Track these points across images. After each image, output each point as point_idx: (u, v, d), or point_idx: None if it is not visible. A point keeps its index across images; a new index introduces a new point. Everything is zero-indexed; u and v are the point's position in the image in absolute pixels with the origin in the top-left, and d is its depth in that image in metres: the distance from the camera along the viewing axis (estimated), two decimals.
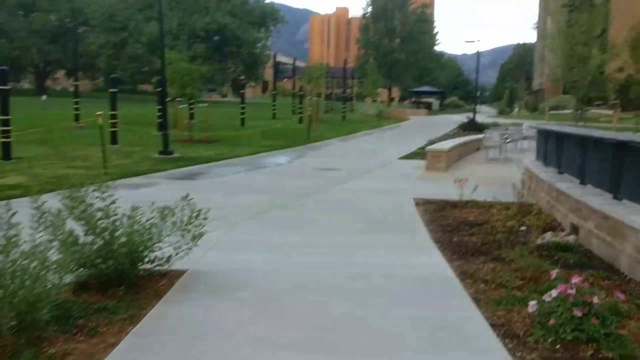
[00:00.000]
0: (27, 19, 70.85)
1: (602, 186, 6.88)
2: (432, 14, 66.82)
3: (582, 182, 7.67)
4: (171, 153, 15.00)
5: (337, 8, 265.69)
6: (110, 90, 18.17)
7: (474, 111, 32.47)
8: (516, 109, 67.26)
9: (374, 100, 75.16)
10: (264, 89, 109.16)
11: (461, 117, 55.28)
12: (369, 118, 40.69)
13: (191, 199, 5.17)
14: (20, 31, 68.44)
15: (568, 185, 7.78)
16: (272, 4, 77.14)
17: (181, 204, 5.10)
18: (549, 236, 6.85)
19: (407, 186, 11.31)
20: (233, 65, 73.84)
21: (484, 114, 77.47)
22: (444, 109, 73.35)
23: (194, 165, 13.87)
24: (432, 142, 20.09)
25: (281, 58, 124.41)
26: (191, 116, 30.23)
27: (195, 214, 4.98)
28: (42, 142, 17.69)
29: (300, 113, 31.99)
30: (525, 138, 20.37)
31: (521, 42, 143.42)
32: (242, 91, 27.15)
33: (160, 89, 22.28)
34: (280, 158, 16.46)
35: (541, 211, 8.50)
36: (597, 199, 6.51)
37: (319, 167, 14.16)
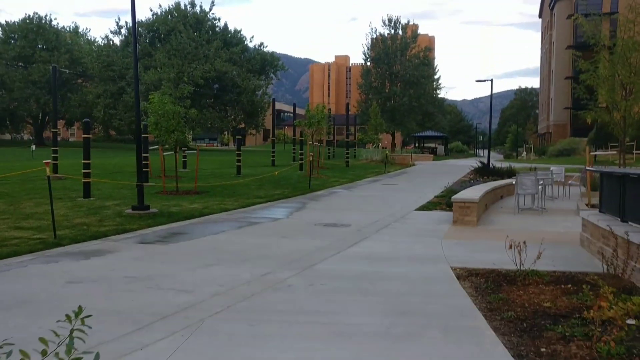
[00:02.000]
0: (26, 70, 70.10)
1: None
2: (434, 58, 65.57)
3: None
4: (147, 208, 12.62)
5: (336, 56, 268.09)
6: (84, 136, 15.93)
7: (488, 155, 30.20)
8: (524, 153, 65.13)
9: (376, 146, 73.38)
10: (265, 136, 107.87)
11: (469, 162, 53.23)
12: (374, 164, 38.53)
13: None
14: (18, 82, 67.62)
15: None
16: (272, 52, 76.31)
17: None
18: None
19: (436, 249, 8.86)
20: (233, 113, 72.42)
21: (491, 158, 75.51)
22: (448, 154, 71.44)
23: (171, 222, 11.46)
24: (451, 191, 17.77)
25: (282, 106, 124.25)
26: (184, 164, 28.33)
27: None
28: (2, 195, 15.37)
29: (301, 160, 29.80)
30: (558, 184, 18.05)
31: (522, 87, 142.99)
32: (238, 137, 24.94)
33: (146, 133, 20.30)
34: (276, 211, 14.08)
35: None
36: None
37: (322, 222, 11.75)
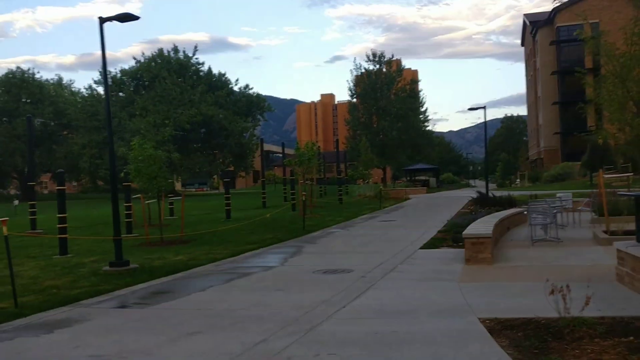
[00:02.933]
0: (10, 124, 69.18)
1: None
2: (420, 90, 65.28)
3: None
4: (126, 264, 11.42)
5: (322, 95, 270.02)
6: (58, 188, 14.76)
7: (486, 185, 29.24)
8: (518, 180, 64.46)
9: (366, 182, 72.48)
10: (255, 178, 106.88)
11: (463, 193, 52.40)
12: (367, 200, 37.49)
13: None
14: (3, 137, 66.63)
15: None
16: (258, 93, 75.93)
17: None
18: None
19: (455, 296, 7.71)
20: (222, 156, 71.54)
21: (483, 188, 74.81)
22: (440, 185, 70.68)
23: (152, 279, 10.26)
24: (454, 225, 16.71)
25: (270, 147, 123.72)
26: (170, 212, 27.12)
27: None
28: None
29: (293, 199, 28.73)
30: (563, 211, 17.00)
31: (509, 114, 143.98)
32: (225, 179, 23.87)
33: (126, 181, 19.18)
34: (270, 258, 12.91)
35: None
36: None
37: (321, 269, 10.59)
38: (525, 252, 11.66)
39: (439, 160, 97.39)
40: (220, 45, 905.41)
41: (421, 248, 13.10)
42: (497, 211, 21.51)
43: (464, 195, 44.91)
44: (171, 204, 26.75)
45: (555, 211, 13.25)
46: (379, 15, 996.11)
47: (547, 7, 77.15)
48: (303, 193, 20.61)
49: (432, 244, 13.77)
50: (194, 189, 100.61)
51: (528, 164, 78.42)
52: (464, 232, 10.49)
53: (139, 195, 19.41)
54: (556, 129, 66.66)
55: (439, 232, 16.38)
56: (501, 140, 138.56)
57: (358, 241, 15.43)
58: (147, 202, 18.52)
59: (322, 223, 21.13)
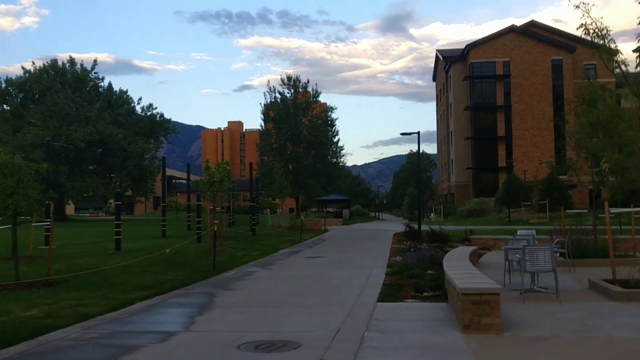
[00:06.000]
0: None
1: None
2: (336, 119, 62.92)
3: None
4: None
5: (229, 122, 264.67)
6: None
7: (419, 219, 26.57)
8: (432, 215, 63.28)
9: (274, 212, 68.59)
10: (156, 204, 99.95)
11: (380, 226, 50.06)
12: (282, 230, 33.91)
13: None
14: None
15: None
16: (162, 114, 70.53)
17: None
18: None
19: None
20: (119, 179, 65.36)
21: (392, 221, 73.26)
22: (351, 217, 68.47)
23: None
24: (405, 266, 13.54)
25: (173, 173, 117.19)
26: (46, 240, 22.08)
27: None
28: None
29: (199, 230, 24.57)
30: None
31: (414, 150, 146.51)
32: (117, 201, 19.47)
33: None
34: (168, 316, 8.99)
35: None
36: None
37: (249, 340, 6.88)
38: (527, 311, 8.51)
39: (348, 192, 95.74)
40: (124, 67, 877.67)
41: (380, 301, 9.65)
42: (440, 248, 18.70)
43: (383, 228, 42.49)
44: (47, 231, 21.76)
45: (558, 255, 10.31)
46: (287, 48, 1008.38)
47: (460, 44, 78.28)
48: (215, 222, 16.67)
49: (389, 293, 10.38)
50: (88, 214, 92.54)
51: (437, 199, 78.11)
52: (460, 286, 7.18)
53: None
54: (468, 164, 66.57)
55: (387, 274, 13.08)
56: (407, 175, 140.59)
57: (289, 287, 11.75)
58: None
59: (235, 259, 17.30)
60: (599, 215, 16.36)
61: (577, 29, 12.57)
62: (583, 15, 12.17)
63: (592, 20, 12.20)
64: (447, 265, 10.24)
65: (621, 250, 15.34)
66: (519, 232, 15.53)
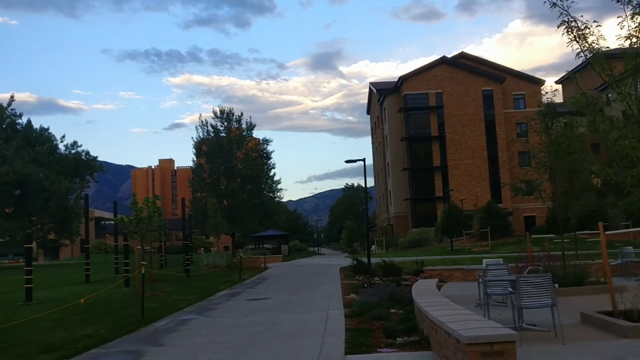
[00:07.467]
0: None
1: None
2: (272, 151, 61.24)
3: None
4: None
5: (160, 160, 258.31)
6: None
7: (368, 252, 25.07)
8: (374, 247, 62.12)
9: (208, 251, 65.63)
10: (83, 247, 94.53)
11: (322, 260, 48.37)
12: (218, 270, 31.56)
13: None
14: None
15: None
16: (87, 152, 66.54)
17: None
18: None
19: None
20: (40, 221, 60.71)
21: (333, 255, 71.74)
22: (291, 253, 66.54)
23: None
24: (366, 305, 11.88)
25: (102, 214, 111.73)
26: None
27: None
28: None
29: (127, 272, 22.06)
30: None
31: (349, 184, 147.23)
32: (26, 245, 16.90)
33: None
34: None
35: None
36: None
37: None
38: (531, 357, 6.99)
39: (285, 227, 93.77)
40: (48, 106, 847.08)
41: (349, 353, 7.89)
42: (397, 282, 17.16)
43: (325, 262, 40.83)
44: None
45: (556, 287, 8.87)
46: (218, 85, 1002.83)
47: (391, 79, 78.80)
48: (143, 263, 14.48)
49: (357, 341, 8.63)
50: (7, 261, 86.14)
51: (377, 230, 77.37)
52: (465, 335, 5.57)
53: None
54: (406, 195, 66.26)
55: (347, 317, 11.35)
56: (343, 209, 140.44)
57: (234, 339, 9.77)
58: None
59: (168, 305, 15.11)
60: (562, 239, 15.31)
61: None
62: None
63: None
64: (422, 303, 8.64)
65: (592, 276, 14.32)
66: (484, 261, 14.21)
